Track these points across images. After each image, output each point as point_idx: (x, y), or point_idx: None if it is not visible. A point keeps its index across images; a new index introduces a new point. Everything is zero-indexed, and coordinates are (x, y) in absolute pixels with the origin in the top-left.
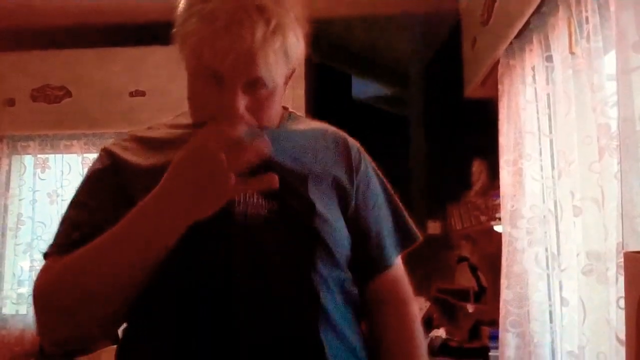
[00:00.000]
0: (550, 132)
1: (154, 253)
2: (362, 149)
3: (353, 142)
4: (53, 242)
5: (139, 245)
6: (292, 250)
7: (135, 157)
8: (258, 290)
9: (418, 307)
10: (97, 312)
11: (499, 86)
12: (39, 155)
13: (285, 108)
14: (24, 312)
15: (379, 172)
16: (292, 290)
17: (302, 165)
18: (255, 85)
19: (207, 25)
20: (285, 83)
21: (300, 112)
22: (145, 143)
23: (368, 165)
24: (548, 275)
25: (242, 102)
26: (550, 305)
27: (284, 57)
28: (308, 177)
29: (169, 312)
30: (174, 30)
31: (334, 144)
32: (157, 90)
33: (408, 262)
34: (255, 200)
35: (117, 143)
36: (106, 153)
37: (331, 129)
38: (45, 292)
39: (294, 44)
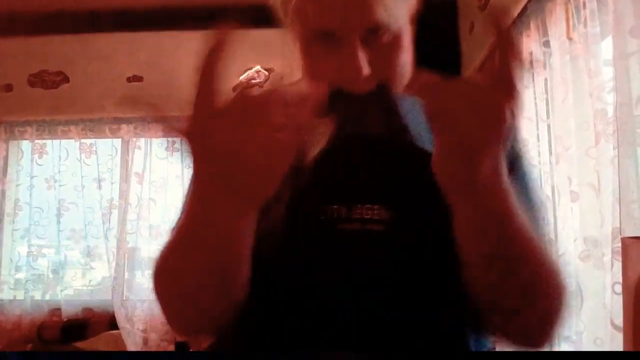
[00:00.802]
0: (548, 117)
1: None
2: None
3: None
4: None
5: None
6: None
7: None
8: None
9: None
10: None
11: None
12: (36, 141)
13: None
14: (21, 298)
15: None
16: None
17: None
18: (376, 34)
19: None
20: (412, 23)
21: None
22: None
23: None
24: None
25: (363, 57)
26: None
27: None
28: None
29: None
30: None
31: None
32: (154, 75)
33: None
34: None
35: None
36: None
37: None
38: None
39: None
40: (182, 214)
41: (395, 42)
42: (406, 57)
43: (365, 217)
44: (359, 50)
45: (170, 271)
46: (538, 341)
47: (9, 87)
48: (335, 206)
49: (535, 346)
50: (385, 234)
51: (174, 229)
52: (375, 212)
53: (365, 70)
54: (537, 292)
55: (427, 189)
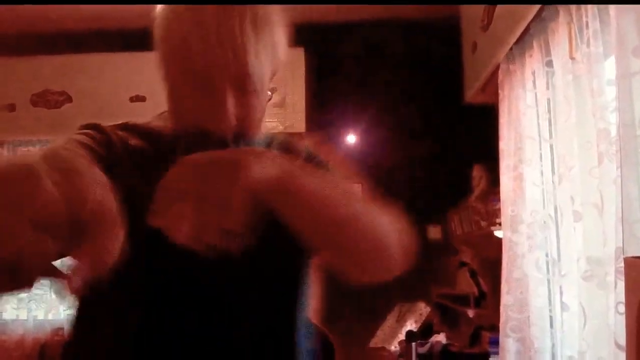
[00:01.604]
0: (551, 137)
1: None
2: None
3: None
4: None
5: None
6: None
7: None
8: None
9: (418, 310)
10: None
11: (499, 91)
12: None
13: None
14: (24, 317)
15: None
16: None
17: None
18: (242, 87)
19: (195, 22)
20: (267, 88)
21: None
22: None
23: None
24: (548, 281)
25: (231, 102)
26: (550, 311)
27: (272, 54)
28: None
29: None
30: (156, 34)
31: None
32: (157, 95)
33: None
34: None
35: None
36: None
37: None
38: None
39: (281, 42)
40: None
41: (255, 99)
42: (262, 113)
43: None
44: (228, 94)
45: None
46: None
47: (12, 107)
48: None
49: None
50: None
51: None
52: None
53: (232, 118)
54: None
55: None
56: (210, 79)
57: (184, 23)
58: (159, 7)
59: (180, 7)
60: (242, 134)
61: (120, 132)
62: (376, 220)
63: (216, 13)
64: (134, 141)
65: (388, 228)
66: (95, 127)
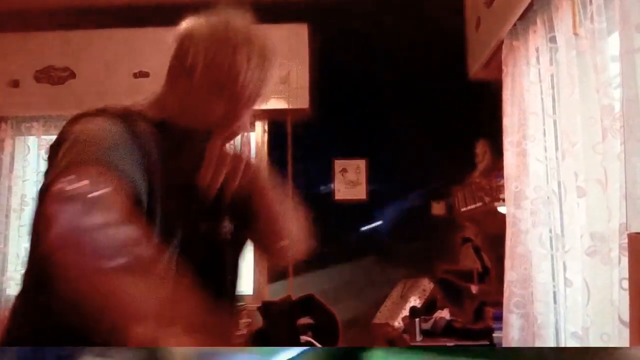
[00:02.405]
0: (554, 113)
1: None
2: None
3: None
4: None
5: None
6: None
7: None
8: None
9: (422, 286)
10: None
11: (503, 67)
12: (42, 137)
13: None
14: None
15: None
16: None
17: None
18: (251, 104)
19: (243, 52)
20: None
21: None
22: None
23: None
24: (552, 256)
25: (246, 116)
26: (554, 286)
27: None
28: None
29: None
30: (194, 52)
31: None
32: (160, 71)
33: (412, 243)
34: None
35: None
36: None
37: None
38: None
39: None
40: None
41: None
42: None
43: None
44: (245, 110)
45: None
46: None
47: (15, 83)
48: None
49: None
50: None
51: None
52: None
53: (247, 127)
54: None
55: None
56: (234, 96)
57: (235, 50)
58: (199, 27)
59: (228, 34)
60: (234, 137)
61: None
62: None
63: (257, 47)
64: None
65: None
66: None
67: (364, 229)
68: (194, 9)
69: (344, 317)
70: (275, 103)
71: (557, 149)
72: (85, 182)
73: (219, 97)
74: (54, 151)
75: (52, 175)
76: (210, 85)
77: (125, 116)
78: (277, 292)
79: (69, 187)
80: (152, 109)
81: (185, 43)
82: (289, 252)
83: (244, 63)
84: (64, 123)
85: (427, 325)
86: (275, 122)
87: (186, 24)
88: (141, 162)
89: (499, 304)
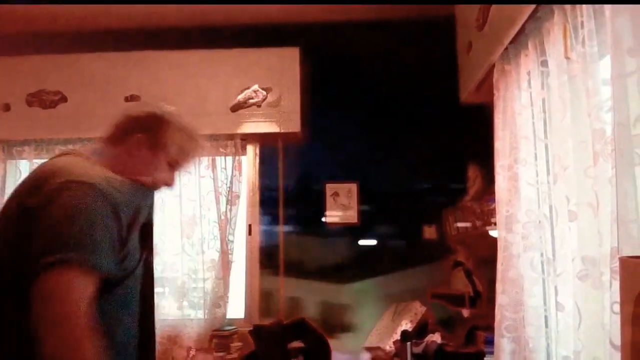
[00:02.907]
0: (546, 137)
1: None
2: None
3: None
4: None
5: None
6: None
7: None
8: None
9: (413, 309)
10: None
11: (495, 91)
12: (34, 160)
13: None
14: None
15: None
16: None
17: None
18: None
19: (192, 147)
20: None
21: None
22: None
23: None
24: (543, 280)
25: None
26: (545, 310)
27: None
28: None
29: None
30: (161, 136)
31: None
32: (152, 95)
33: (404, 266)
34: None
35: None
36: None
37: None
38: None
39: None
40: None
41: None
42: None
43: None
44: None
45: None
46: None
47: (6, 107)
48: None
49: None
50: None
51: None
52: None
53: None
54: None
55: None
56: (176, 166)
57: (187, 144)
58: (170, 128)
59: (185, 135)
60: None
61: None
62: None
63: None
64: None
65: None
66: None
67: (355, 251)
68: (185, 34)
69: (335, 341)
70: (266, 127)
71: (548, 172)
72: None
73: (170, 167)
74: (45, 204)
75: (54, 253)
76: (169, 159)
77: (103, 184)
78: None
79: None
80: (107, 165)
81: (163, 126)
82: None
83: (197, 150)
84: (55, 147)
85: (418, 349)
86: (267, 146)
87: (159, 110)
88: (117, 235)
89: (490, 327)
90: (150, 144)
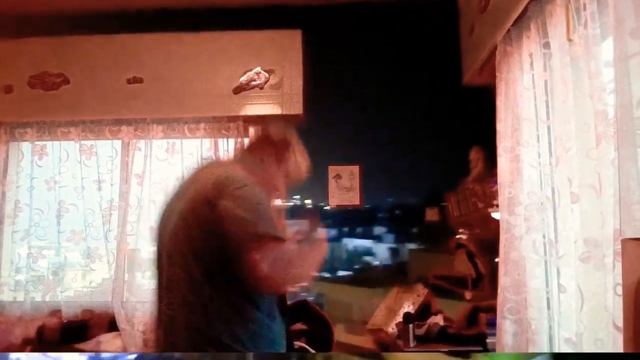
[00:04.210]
0: (548, 118)
1: None
2: None
3: None
4: None
5: None
6: None
7: None
8: None
9: (416, 292)
10: None
11: (497, 73)
12: (36, 142)
13: None
14: (21, 299)
15: None
16: None
17: None
18: None
19: (303, 164)
20: None
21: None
22: None
23: None
24: (545, 262)
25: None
26: (547, 292)
27: None
28: None
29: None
30: (284, 152)
31: None
32: (154, 77)
33: (406, 249)
34: None
35: None
36: None
37: None
38: None
39: None
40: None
41: None
42: None
43: None
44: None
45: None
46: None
47: (9, 89)
48: None
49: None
50: None
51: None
52: None
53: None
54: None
55: None
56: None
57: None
58: None
59: None
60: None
61: None
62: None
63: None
64: None
65: None
66: None
67: (357, 234)
68: (188, 16)
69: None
70: (269, 109)
71: (550, 154)
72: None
73: (285, 179)
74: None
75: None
76: (286, 171)
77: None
78: None
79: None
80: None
81: (287, 145)
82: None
83: (307, 167)
84: (57, 129)
85: (420, 331)
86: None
87: (287, 132)
88: None
89: (492, 309)
90: (277, 159)
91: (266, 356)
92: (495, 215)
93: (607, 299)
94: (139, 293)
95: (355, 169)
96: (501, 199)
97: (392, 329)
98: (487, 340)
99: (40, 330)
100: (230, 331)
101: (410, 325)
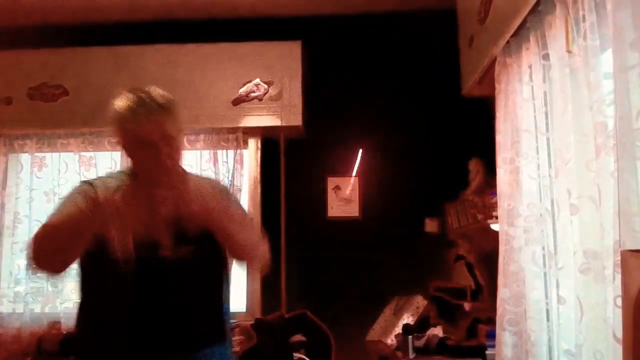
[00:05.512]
0: (547, 130)
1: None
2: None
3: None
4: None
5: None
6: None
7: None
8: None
9: (415, 303)
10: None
11: (496, 84)
12: (36, 154)
13: None
14: (21, 311)
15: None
16: None
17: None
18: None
19: (139, 119)
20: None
21: (298, 109)
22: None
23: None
24: (545, 274)
25: (166, 154)
26: (547, 304)
27: (177, 124)
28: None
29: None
30: (114, 127)
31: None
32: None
33: (405, 260)
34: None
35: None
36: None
37: (211, 177)
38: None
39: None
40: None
41: (179, 144)
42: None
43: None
44: (164, 151)
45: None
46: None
47: (8, 100)
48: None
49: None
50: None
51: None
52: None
53: (169, 162)
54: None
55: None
56: (148, 143)
57: (132, 123)
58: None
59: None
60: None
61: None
62: (253, 236)
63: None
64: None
65: (257, 240)
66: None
67: (356, 245)
68: (188, 27)
69: (337, 334)
70: (268, 120)
71: (550, 166)
72: None
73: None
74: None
75: None
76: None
77: None
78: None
79: None
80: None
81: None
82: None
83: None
84: (57, 140)
85: (420, 343)
86: (269, 139)
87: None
88: None
89: (492, 321)
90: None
91: None
92: (494, 226)
93: (607, 311)
94: None
95: (355, 180)
96: (500, 211)
97: (391, 340)
98: (487, 352)
99: (40, 342)
100: None
101: (410, 337)
